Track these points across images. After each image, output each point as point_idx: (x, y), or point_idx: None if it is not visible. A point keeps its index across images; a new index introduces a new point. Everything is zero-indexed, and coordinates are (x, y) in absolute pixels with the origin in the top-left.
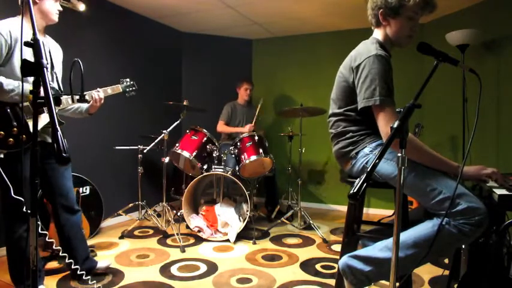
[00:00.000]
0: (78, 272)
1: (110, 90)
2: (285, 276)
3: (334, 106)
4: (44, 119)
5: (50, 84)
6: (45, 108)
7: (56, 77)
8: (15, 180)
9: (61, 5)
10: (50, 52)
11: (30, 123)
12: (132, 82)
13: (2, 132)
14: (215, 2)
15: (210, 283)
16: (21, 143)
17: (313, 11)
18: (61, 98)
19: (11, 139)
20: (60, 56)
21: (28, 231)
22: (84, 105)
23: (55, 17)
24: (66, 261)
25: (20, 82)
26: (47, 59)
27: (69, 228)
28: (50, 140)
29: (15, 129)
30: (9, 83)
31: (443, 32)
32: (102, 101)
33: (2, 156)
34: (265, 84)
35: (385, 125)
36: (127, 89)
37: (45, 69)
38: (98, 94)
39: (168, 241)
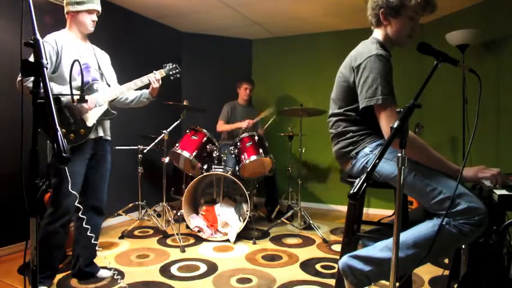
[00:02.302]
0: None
1: (157, 74)
2: (285, 276)
3: (334, 106)
4: (95, 113)
5: (97, 81)
6: (99, 101)
7: (104, 77)
8: (70, 174)
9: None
10: (95, 55)
11: (84, 117)
12: (174, 65)
13: (64, 130)
14: (215, 2)
15: (210, 283)
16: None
17: (314, 11)
18: (110, 89)
19: (72, 135)
20: (107, 59)
21: (65, 226)
22: (145, 91)
23: (90, 27)
24: (97, 247)
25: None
26: (98, 62)
27: (89, 227)
28: (101, 134)
29: (74, 125)
30: (58, 91)
31: (443, 32)
32: (160, 82)
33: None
34: (265, 84)
35: (387, 124)
36: (170, 72)
37: (45, 69)
38: (155, 76)
39: (168, 241)
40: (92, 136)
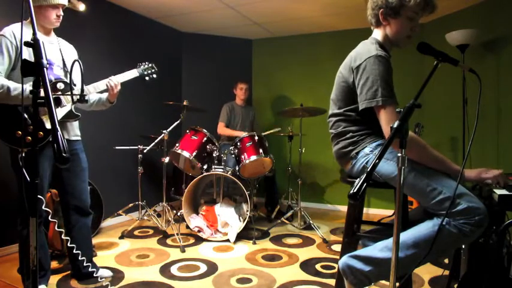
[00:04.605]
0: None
1: (125, 75)
2: (285, 276)
3: (334, 106)
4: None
5: (62, 79)
6: (63, 102)
7: (69, 73)
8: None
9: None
10: (60, 50)
11: (45, 120)
12: (150, 64)
13: (20, 132)
14: (215, 2)
15: (210, 283)
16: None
17: (313, 11)
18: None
19: (28, 137)
20: (74, 54)
21: (39, 227)
22: (104, 96)
23: (55, 23)
24: (80, 258)
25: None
26: (63, 58)
27: (78, 229)
28: (66, 137)
29: (31, 127)
30: (16, 88)
31: (443, 32)
32: (119, 87)
33: (23, 154)
34: (265, 84)
35: (387, 125)
36: (145, 72)
37: (45, 69)
38: (112, 81)
39: (168, 241)
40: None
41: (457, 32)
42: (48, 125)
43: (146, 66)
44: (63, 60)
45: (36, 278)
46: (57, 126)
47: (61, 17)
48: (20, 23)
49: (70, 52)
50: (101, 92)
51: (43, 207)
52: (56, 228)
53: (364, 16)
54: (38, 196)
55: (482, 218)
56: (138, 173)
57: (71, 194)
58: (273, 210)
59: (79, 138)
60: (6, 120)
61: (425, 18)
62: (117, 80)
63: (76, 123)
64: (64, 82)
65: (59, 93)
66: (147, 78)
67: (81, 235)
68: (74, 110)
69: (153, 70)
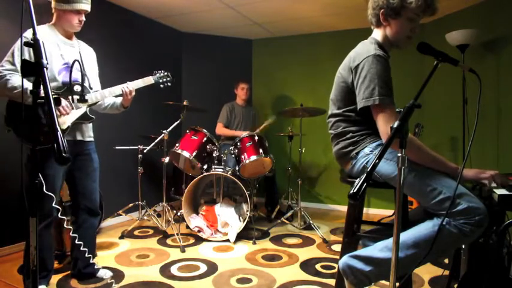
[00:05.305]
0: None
1: (141, 82)
2: (285, 276)
3: (334, 107)
4: (72, 116)
5: (79, 81)
6: (78, 104)
7: (87, 77)
8: (42, 176)
9: None
10: (80, 53)
11: (60, 120)
12: (166, 73)
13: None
14: (215, 2)
15: (210, 283)
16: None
17: (313, 11)
18: (88, 94)
19: (42, 136)
20: (93, 56)
21: (48, 227)
22: (118, 100)
23: (76, 28)
24: (86, 255)
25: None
26: (82, 62)
27: (84, 229)
28: (80, 138)
29: (45, 127)
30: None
31: (443, 32)
32: (133, 93)
33: (29, 153)
34: (265, 84)
35: (384, 124)
36: (160, 80)
37: (45, 69)
38: (127, 87)
39: (168, 241)
40: (68, 138)
41: (457, 32)
42: (63, 126)
43: (162, 74)
44: (82, 63)
45: (36, 278)
46: (57, 126)
47: (83, 22)
48: (44, 25)
49: (90, 55)
50: (116, 97)
51: (53, 204)
52: (65, 225)
53: (364, 16)
54: (50, 194)
55: (482, 218)
56: (138, 173)
57: (82, 194)
58: (273, 210)
59: (92, 139)
60: (26, 118)
61: (425, 19)
62: (133, 86)
63: (90, 125)
64: (81, 85)
65: (65, 93)
66: (161, 86)
67: (88, 235)
68: (88, 113)
69: (168, 78)
